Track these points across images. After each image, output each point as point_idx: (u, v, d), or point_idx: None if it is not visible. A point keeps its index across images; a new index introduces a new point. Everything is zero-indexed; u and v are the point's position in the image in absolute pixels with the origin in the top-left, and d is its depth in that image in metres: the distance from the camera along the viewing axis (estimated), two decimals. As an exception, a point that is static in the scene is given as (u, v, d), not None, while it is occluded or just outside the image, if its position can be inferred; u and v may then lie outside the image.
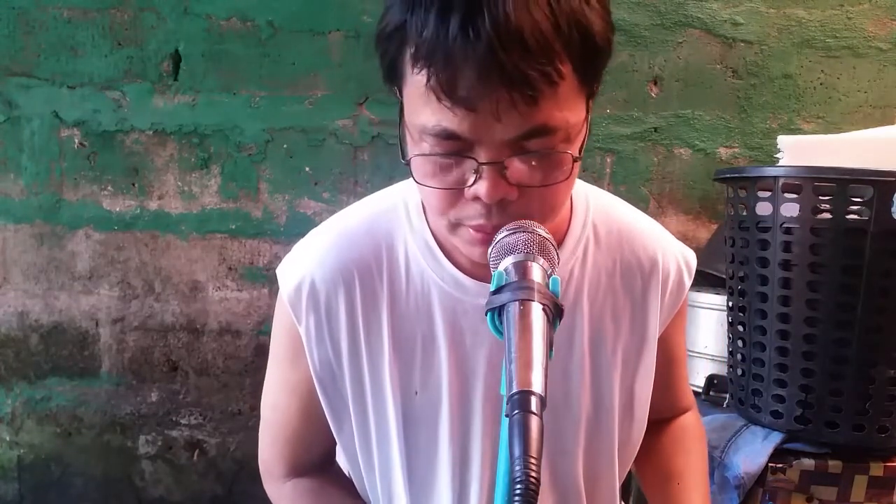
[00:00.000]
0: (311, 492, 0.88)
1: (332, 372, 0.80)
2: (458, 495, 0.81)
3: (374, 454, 0.82)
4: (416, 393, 0.79)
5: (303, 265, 0.79)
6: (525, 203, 0.65)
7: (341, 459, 0.92)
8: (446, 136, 0.62)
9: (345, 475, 0.92)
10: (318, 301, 0.78)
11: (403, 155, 0.66)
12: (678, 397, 0.98)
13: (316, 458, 0.89)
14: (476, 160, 0.62)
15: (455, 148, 0.63)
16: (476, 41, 0.57)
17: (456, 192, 0.65)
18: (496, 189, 0.62)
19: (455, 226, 0.68)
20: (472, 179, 0.63)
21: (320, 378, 0.80)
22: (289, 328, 0.81)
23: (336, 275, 0.78)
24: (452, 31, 0.57)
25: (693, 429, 0.98)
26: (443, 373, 0.79)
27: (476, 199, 0.64)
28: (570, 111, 0.63)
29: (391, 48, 0.63)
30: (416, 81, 0.61)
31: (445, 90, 0.59)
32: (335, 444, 0.87)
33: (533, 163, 0.63)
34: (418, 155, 0.65)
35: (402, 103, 0.67)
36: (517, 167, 0.63)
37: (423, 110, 0.62)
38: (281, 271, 0.81)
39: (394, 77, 0.65)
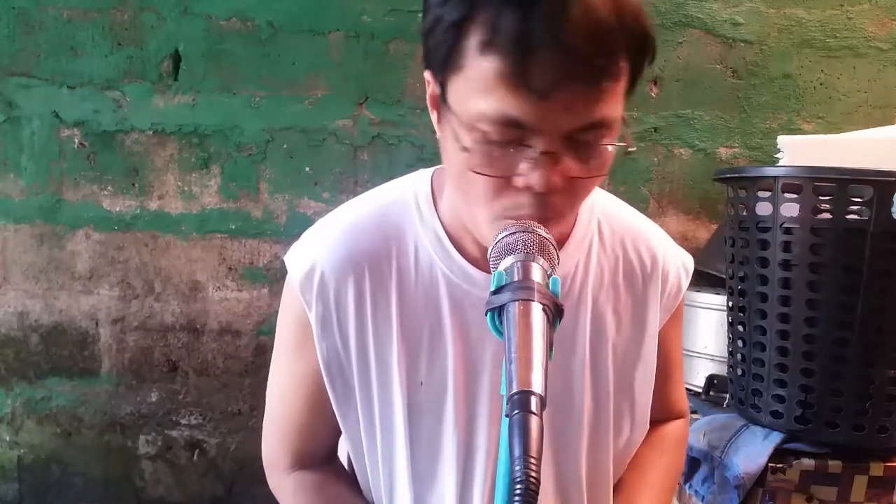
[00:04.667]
0: (315, 486, 0.88)
1: (339, 360, 0.81)
2: (461, 487, 0.81)
3: (377, 443, 0.82)
4: (422, 383, 0.80)
5: (313, 253, 0.80)
6: (565, 195, 0.66)
7: (342, 453, 0.93)
8: (509, 123, 0.62)
9: (346, 471, 0.92)
10: (328, 290, 0.79)
11: (459, 142, 0.65)
12: (669, 402, 0.96)
13: (320, 450, 0.89)
14: (534, 149, 0.62)
15: (512, 136, 0.63)
16: (566, 29, 0.57)
17: (503, 182, 0.65)
18: (550, 179, 0.63)
19: (493, 219, 0.68)
20: (525, 168, 0.63)
21: (327, 365, 0.80)
22: (298, 314, 0.81)
23: (346, 265, 0.78)
24: (540, 17, 0.58)
25: (675, 433, 0.97)
26: (448, 364, 0.79)
27: (525, 188, 0.64)
28: (620, 108, 0.64)
29: (451, 36, 0.63)
30: (483, 69, 0.61)
31: (522, 79, 0.59)
32: (339, 436, 0.87)
33: (584, 155, 0.64)
34: (477, 143, 0.63)
35: (444, 92, 0.66)
36: (569, 159, 0.64)
37: (486, 97, 0.61)
38: (290, 258, 0.81)
39: (447, 65, 0.64)
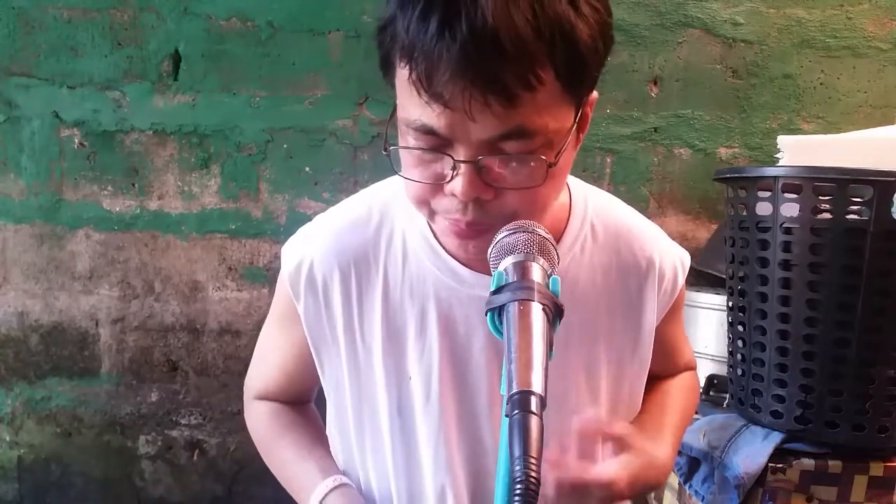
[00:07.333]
0: (278, 413, 0.95)
1: (328, 350, 0.84)
2: (443, 481, 0.82)
3: (366, 434, 0.84)
4: (410, 378, 0.81)
5: (304, 248, 0.83)
6: (502, 203, 0.66)
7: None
8: (426, 131, 0.63)
9: (315, 416, 0.97)
10: (316, 284, 0.81)
11: (386, 145, 0.68)
12: (678, 366, 0.99)
13: (292, 391, 0.95)
14: (453, 157, 0.63)
15: (434, 144, 0.64)
16: (451, 42, 0.58)
17: (435, 186, 0.67)
18: (472, 187, 0.64)
19: (434, 213, 0.70)
20: (449, 176, 0.65)
21: (318, 356, 0.84)
22: (287, 300, 0.85)
23: (332, 261, 0.81)
24: (431, 30, 0.58)
25: (687, 379, 0.99)
26: (434, 361, 0.80)
27: (453, 194, 0.65)
28: (550, 117, 0.63)
29: (385, 41, 0.65)
30: (402, 75, 0.63)
31: (424, 86, 0.60)
32: (313, 387, 0.92)
33: (511, 165, 0.64)
34: (398, 147, 0.67)
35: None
36: (494, 168, 0.64)
37: (408, 104, 0.64)
38: (284, 250, 0.85)
39: (387, 69, 0.67)
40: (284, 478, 0.92)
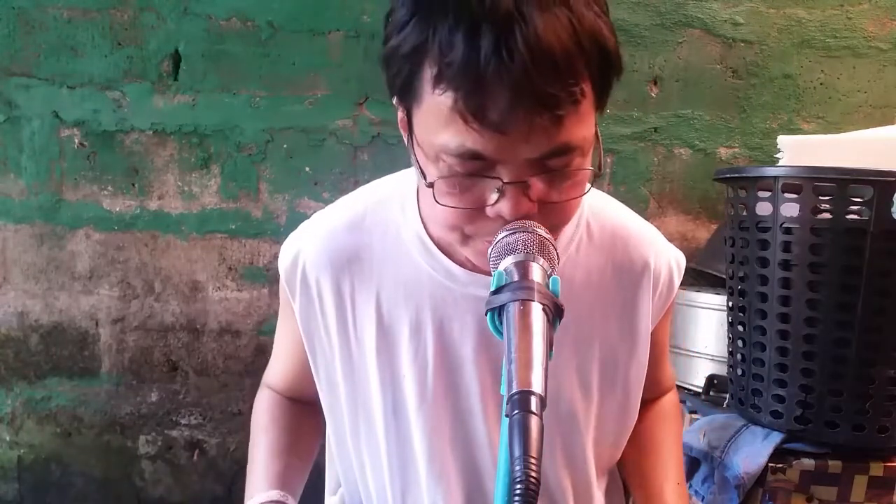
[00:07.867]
0: (279, 405, 0.95)
1: (323, 349, 0.84)
2: (437, 480, 0.82)
3: (361, 436, 0.85)
4: (404, 377, 0.81)
5: (299, 246, 0.83)
6: (543, 217, 0.65)
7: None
8: (470, 156, 0.61)
9: (314, 413, 0.95)
10: (309, 282, 0.82)
11: (425, 177, 0.66)
12: (661, 383, 0.99)
13: (295, 389, 0.95)
14: (500, 179, 0.62)
15: (476, 168, 0.62)
16: (510, 63, 0.56)
17: (473, 211, 0.65)
18: (519, 207, 0.63)
19: (467, 237, 0.69)
20: (494, 198, 0.63)
21: (313, 356, 0.84)
22: (285, 295, 0.86)
23: (326, 261, 0.81)
24: (485, 52, 0.56)
25: (671, 404, 1.01)
26: (428, 360, 0.80)
27: (497, 216, 0.64)
28: (586, 128, 0.63)
29: (406, 68, 0.62)
30: (437, 102, 0.60)
31: (475, 113, 0.58)
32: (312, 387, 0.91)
33: (555, 179, 0.64)
34: (441, 178, 0.64)
35: (409, 119, 0.66)
36: (538, 185, 0.63)
37: (445, 131, 0.61)
38: (283, 247, 0.85)
39: (407, 96, 0.64)
40: (247, 472, 0.93)
